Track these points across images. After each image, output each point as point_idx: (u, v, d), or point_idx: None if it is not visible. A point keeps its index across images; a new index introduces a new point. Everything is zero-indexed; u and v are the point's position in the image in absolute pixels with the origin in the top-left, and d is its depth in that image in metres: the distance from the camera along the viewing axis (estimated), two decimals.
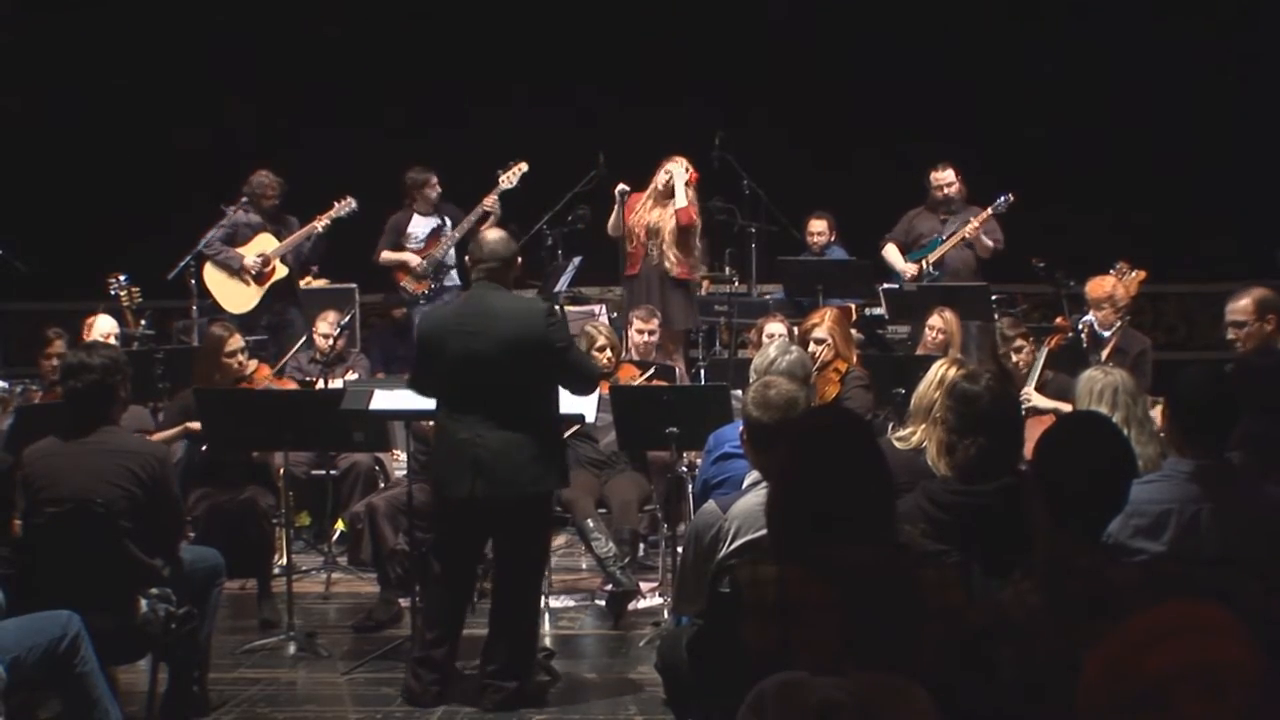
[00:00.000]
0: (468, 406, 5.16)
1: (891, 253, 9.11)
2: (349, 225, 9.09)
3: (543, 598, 6.57)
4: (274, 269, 8.90)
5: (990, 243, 8.80)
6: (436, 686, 5.28)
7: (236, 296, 8.88)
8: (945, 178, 9.02)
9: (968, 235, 8.76)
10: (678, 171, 8.82)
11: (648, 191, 8.87)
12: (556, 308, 5.81)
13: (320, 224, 8.93)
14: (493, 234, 5.59)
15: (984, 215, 8.77)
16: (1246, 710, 1.70)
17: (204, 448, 6.57)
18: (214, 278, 8.90)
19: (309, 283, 9.45)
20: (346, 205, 9.00)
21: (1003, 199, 8.75)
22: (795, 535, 2.78)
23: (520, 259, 5.50)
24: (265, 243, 8.91)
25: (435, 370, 5.26)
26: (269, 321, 8.89)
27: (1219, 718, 1.70)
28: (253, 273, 8.84)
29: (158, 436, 6.34)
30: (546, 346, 5.17)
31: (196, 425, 6.58)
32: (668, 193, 8.81)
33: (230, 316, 8.67)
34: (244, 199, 8.97)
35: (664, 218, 8.82)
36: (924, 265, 8.89)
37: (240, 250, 8.87)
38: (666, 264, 8.80)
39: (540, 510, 5.38)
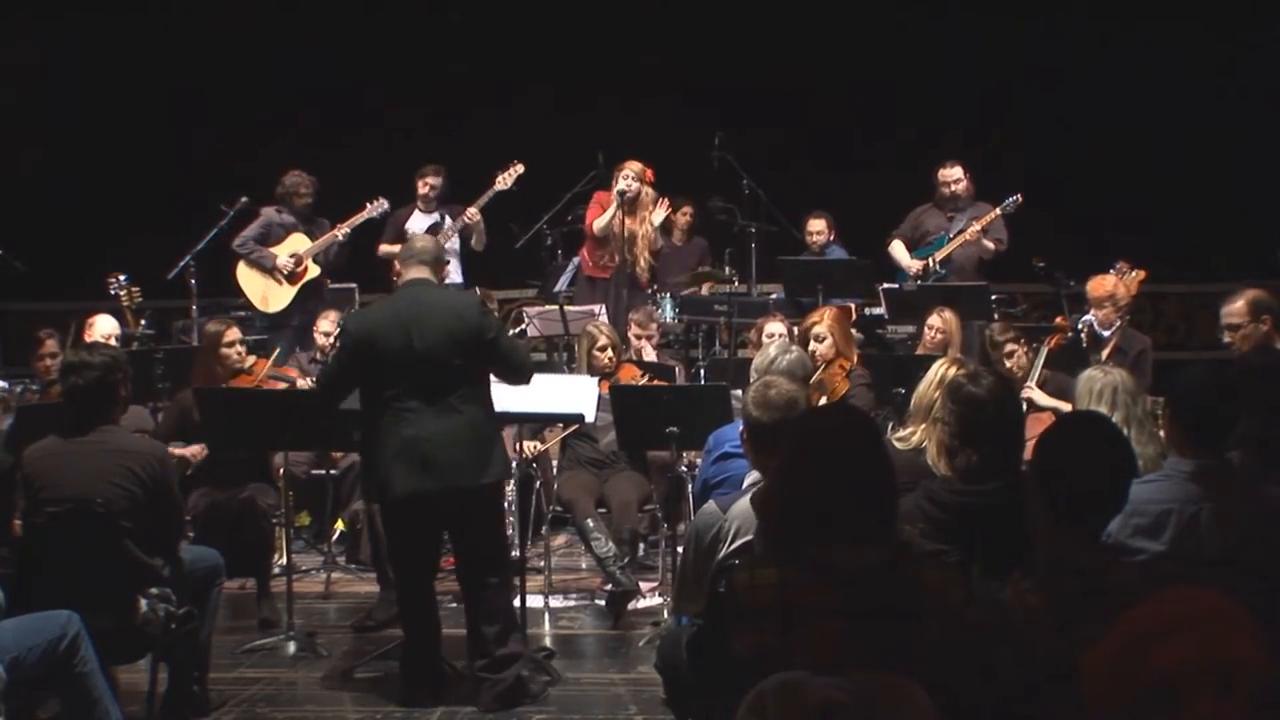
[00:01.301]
0: (411, 403, 5.14)
1: (898, 249, 9.11)
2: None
3: (543, 598, 6.61)
4: (306, 269, 8.90)
5: (991, 245, 8.79)
6: (431, 687, 5.29)
7: (269, 295, 8.89)
8: (953, 175, 9.00)
9: (969, 238, 8.74)
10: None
11: (613, 200, 8.86)
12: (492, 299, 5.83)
13: (341, 231, 8.93)
14: (422, 238, 5.66)
15: (991, 215, 8.76)
16: (1255, 703, 1.70)
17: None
18: (246, 276, 8.90)
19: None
20: (379, 206, 9.03)
21: (1011, 200, 8.74)
22: (798, 534, 2.77)
23: (447, 263, 5.55)
24: (298, 242, 8.92)
25: (371, 370, 5.21)
26: (300, 321, 8.89)
27: (1229, 711, 1.70)
28: (285, 272, 8.84)
29: (180, 451, 6.34)
30: (480, 336, 5.20)
31: (188, 452, 6.55)
32: (634, 196, 8.82)
33: (262, 315, 8.75)
34: (243, 198, 8.96)
35: (633, 225, 8.85)
36: (930, 263, 8.89)
37: (273, 250, 8.88)
38: (638, 270, 8.87)
39: (494, 498, 5.40)
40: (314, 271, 8.94)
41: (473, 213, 9.10)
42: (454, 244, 9.28)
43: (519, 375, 5.41)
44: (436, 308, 5.23)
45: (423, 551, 5.38)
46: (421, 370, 5.13)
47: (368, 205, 9.02)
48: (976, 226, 8.72)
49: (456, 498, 5.17)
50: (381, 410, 5.19)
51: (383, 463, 5.19)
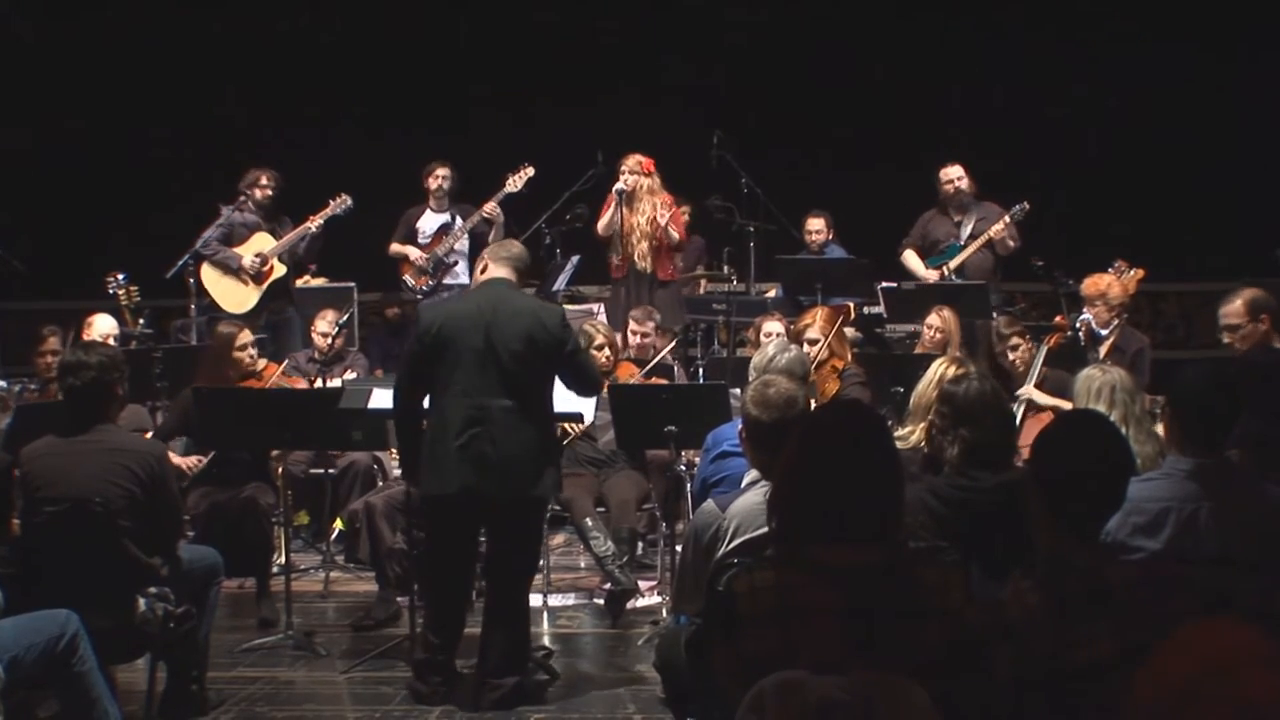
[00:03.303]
0: (481, 401, 5.11)
1: (911, 259, 9.12)
2: (347, 224, 9.08)
3: (542, 596, 6.60)
4: (272, 268, 8.89)
5: (1011, 242, 8.83)
6: (444, 687, 5.29)
7: (235, 296, 8.86)
8: (954, 173, 9.02)
9: (994, 236, 8.77)
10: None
11: (614, 196, 8.91)
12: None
13: (314, 223, 8.91)
14: (514, 243, 5.63)
15: (1001, 225, 8.78)
16: None
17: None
18: (211, 278, 8.87)
19: (306, 281, 9.45)
20: (342, 203, 8.99)
21: (1019, 208, 8.80)
22: (802, 533, 2.77)
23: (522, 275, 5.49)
24: (262, 241, 8.89)
25: (444, 361, 5.15)
26: (268, 320, 8.88)
27: None
28: (251, 272, 8.82)
29: (178, 461, 6.32)
30: (560, 347, 5.17)
31: (185, 463, 6.57)
32: (632, 191, 8.88)
33: (229, 316, 8.69)
34: (241, 198, 8.96)
35: (632, 218, 8.89)
36: (945, 271, 8.89)
37: (238, 250, 8.85)
38: (637, 262, 8.93)
39: (538, 512, 5.37)
40: (280, 270, 8.92)
41: (492, 208, 9.12)
42: (463, 244, 9.30)
43: (591, 389, 5.47)
44: (520, 312, 5.18)
45: (463, 551, 5.37)
46: (496, 372, 5.10)
47: (331, 202, 8.99)
48: (1000, 226, 8.75)
49: (506, 504, 5.17)
50: (449, 404, 5.15)
51: (443, 456, 5.14)
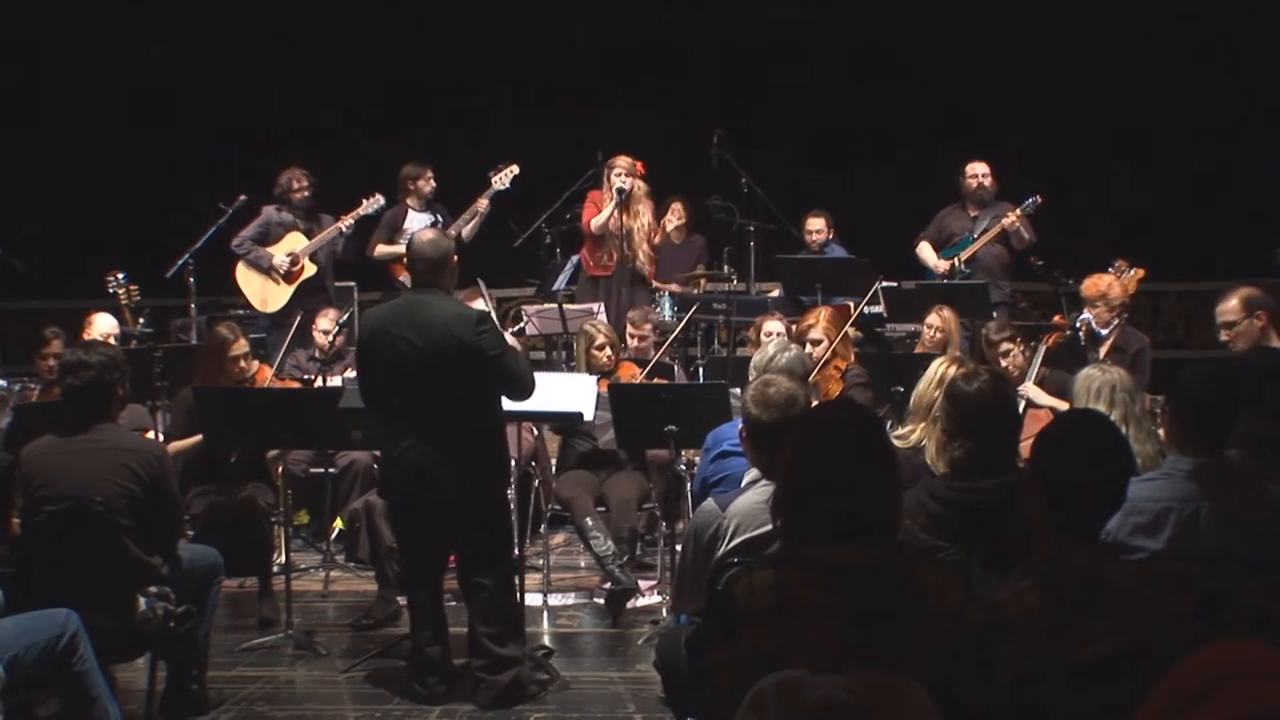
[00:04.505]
0: (405, 412, 5.16)
1: (925, 250, 9.16)
2: None
3: (542, 596, 6.60)
4: (302, 267, 8.90)
5: (1026, 234, 8.85)
6: (442, 686, 5.30)
7: (267, 295, 8.89)
8: (979, 169, 9.08)
9: (1006, 227, 8.80)
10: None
11: (611, 198, 8.91)
12: (492, 314, 5.58)
13: (345, 224, 8.94)
14: (426, 234, 5.46)
15: (1013, 217, 8.79)
16: None
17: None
18: (245, 277, 8.91)
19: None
20: (374, 203, 9.03)
21: (1031, 201, 8.82)
22: (802, 531, 2.77)
23: (455, 259, 5.36)
24: (294, 241, 8.92)
25: (373, 376, 5.24)
26: (302, 319, 8.88)
27: None
28: (280, 271, 8.84)
29: (174, 447, 6.31)
30: (477, 354, 5.11)
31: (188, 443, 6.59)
32: (631, 194, 8.91)
33: (262, 316, 8.74)
34: (242, 197, 8.95)
35: (629, 220, 8.90)
36: (956, 262, 8.92)
37: (270, 249, 8.88)
38: (638, 265, 8.97)
39: (488, 509, 5.28)
40: (311, 270, 8.93)
41: (484, 204, 9.13)
42: None
43: (522, 391, 5.30)
44: (430, 321, 5.13)
45: (424, 553, 5.37)
46: (413, 381, 5.13)
47: (364, 201, 9.01)
48: (1012, 216, 8.77)
49: (447, 507, 5.18)
50: (386, 414, 5.24)
51: (386, 466, 5.29)
